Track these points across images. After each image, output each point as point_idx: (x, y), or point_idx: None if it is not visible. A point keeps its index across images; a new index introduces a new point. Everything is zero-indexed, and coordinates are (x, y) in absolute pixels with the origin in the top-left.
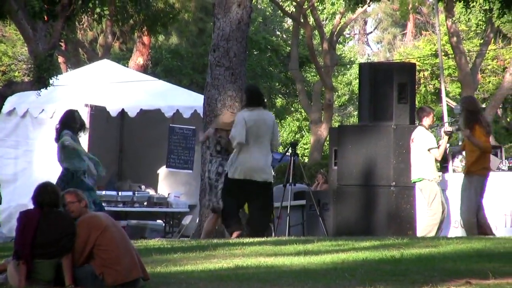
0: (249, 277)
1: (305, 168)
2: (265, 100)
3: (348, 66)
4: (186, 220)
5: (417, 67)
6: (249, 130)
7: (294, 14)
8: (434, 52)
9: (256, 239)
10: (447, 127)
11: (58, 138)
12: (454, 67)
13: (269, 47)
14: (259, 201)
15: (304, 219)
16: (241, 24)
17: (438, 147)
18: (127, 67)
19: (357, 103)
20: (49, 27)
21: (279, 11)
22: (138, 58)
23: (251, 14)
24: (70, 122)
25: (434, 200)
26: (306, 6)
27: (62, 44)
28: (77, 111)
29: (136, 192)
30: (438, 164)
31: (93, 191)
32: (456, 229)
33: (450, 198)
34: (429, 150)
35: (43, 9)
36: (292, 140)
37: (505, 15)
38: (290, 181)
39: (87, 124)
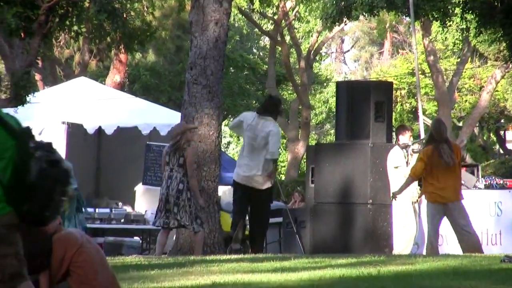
0: None
1: (282, 186)
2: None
3: (325, 84)
4: None
5: (394, 86)
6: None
7: (271, 32)
8: (411, 71)
9: (234, 256)
10: (414, 146)
11: None
12: (431, 86)
13: (246, 65)
14: None
15: (281, 236)
16: (218, 42)
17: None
18: (104, 84)
19: (334, 121)
20: (26, 45)
21: (256, 29)
22: (115, 76)
23: (228, 32)
24: None
25: (406, 216)
26: (283, 25)
27: (39, 61)
28: None
29: (113, 209)
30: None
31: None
32: None
33: (426, 215)
34: (395, 167)
35: (19, 26)
36: None
37: (482, 34)
38: None
39: (65, 142)
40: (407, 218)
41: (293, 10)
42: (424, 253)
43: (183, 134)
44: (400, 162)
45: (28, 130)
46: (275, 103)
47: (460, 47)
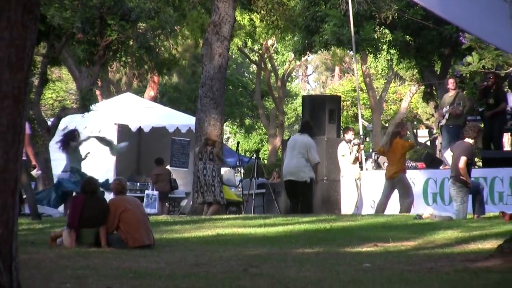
0: (227, 241)
1: (265, 167)
2: (306, 127)
3: (295, 97)
4: (183, 203)
5: (342, 99)
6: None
7: (257, 61)
8: (353, 88)
9: (231, 216)
10: (355, 140)
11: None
12: (367, 98)
13: (240, 84)
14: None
15: (264, 202)
16: (221, 68)
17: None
18: (143, 97)
19: (301, 123)
20: (90, 70)
21: (247, 59)
22: (150, 92)
23: (228, 62)
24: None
25: (350, 188)
26: (266, 56)
27: (99, 82)
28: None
29: (149, 183)
30: (357, 164)
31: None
32: (368, 208)
33: (364, 187)
34: (342, 156)
35: (86, 58)
36: (256, 148)
37: (401, 63)
38: (255, 176)
39: (116, 137)
40: (351, 190)
41: (272, 46)
42: (365, 213)
43: (215, 142)
44: (346, 152)
45: None
46: (308, 124)
47: (387, 72)
